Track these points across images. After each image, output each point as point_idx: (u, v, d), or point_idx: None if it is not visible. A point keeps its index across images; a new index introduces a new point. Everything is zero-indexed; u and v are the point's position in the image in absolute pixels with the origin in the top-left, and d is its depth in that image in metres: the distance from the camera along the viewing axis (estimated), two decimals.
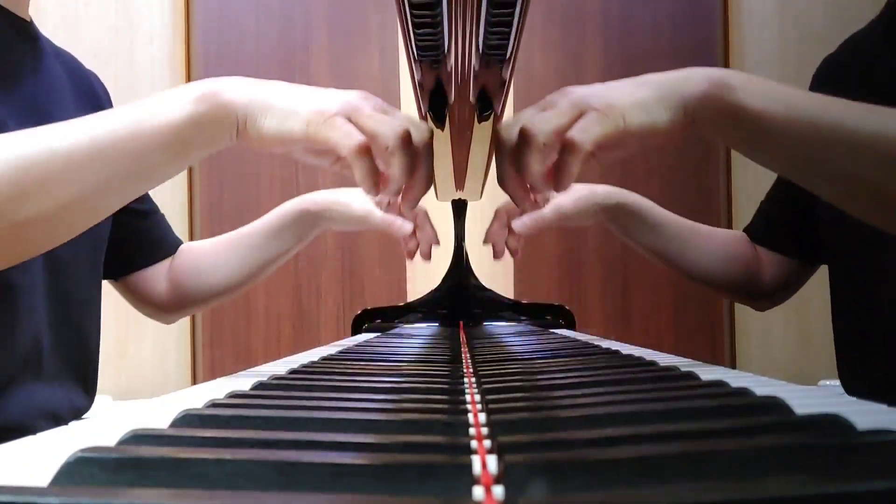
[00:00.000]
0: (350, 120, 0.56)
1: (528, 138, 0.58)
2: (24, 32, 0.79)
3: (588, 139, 0.55)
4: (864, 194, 0.56)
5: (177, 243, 0.99)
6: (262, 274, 0.98)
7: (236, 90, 0.58)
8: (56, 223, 0.57)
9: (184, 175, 1.87)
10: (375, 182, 0.56)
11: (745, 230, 0.98)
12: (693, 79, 0.58)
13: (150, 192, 1.63)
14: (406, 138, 0.57)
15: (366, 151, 0.55)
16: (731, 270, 0.93)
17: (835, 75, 0.90)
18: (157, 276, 0.95)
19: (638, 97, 0.57)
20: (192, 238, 1.86)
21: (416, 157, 0.58)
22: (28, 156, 0.54)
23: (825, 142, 0.54)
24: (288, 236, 0.94)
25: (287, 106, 0.58)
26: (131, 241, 0.91)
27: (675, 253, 0.93)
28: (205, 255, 0.97)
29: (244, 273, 0.97)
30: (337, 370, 0.55)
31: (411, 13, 0.45)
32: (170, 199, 1.83)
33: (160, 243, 0.97)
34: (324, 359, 0.72)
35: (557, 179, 0.57)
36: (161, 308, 0.96)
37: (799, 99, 0.56)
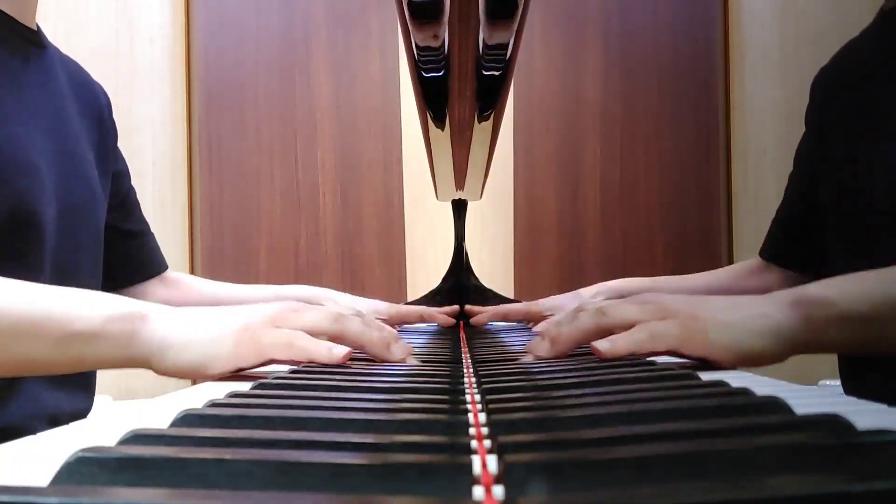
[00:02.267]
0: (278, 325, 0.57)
1: (603, 316, 0.58)
2: (31, 41, 0.79)
3: (656, 337, 0.55)
4: None
5: (163, 265, 1.01)
6: None
7: (158, 321, 0.56)
8: None
9: (184, 175, 1.87)
10: (330, 348, 0.56)
11: (759, 252, 1.00)
12: (780, 306, 0.55)
13: (150, 193, 1.64)
14: (338, 317, 0.59)
15: (304, 343, 0.56)
16: None
17: (830, 85, 0.90)
18: (144, 296, 0.96)
19: (725, 318, 0.55)
20: (192, 238, 1.86)
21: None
22: None
23: None
24: None
25: (210, 336, 0.56)
26: (117, 259, 0.92)
27: None
28: (203, 297, 1.01)
29: None
30: (337, 370, 0.55)
31: (411, 13, 0.45)
32: (170, 199, 1.83)
33: (145, 264, 0.99)
34: None
35: (607, 350, 0.56)
36: None
37: (883, 284, 0.55)
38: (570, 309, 0.69)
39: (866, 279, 0.57)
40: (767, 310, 0.55)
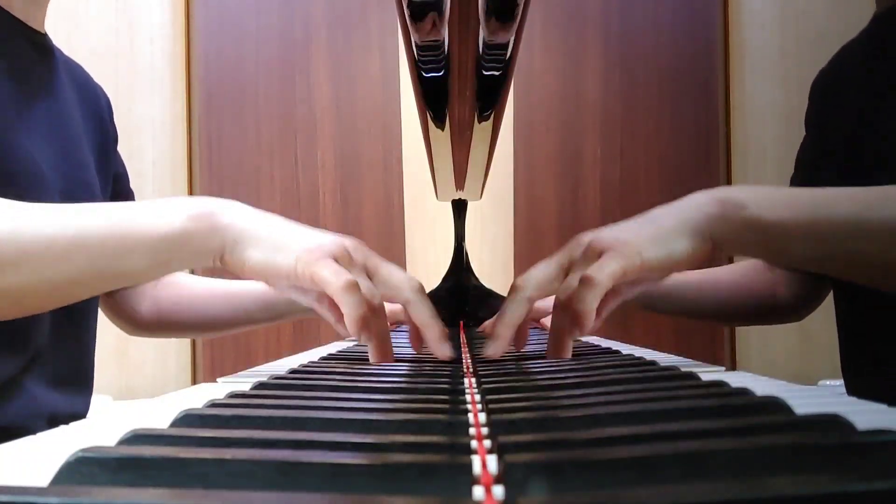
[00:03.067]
0: (341, 262, 0.58)
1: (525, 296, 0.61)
2: (39, 46, 0.79)
3: (606, 276, 0.56)
4: (881, 271, 0.57)
5: None
6: (245, 328, 1.01)
7: (232, 215, 0.59)
8: (22, 300, 0.57)
9: (184, 175, 1.88)
10: (364, 323, 0.56)
11: None
12: (701, 204, 0.59)
13: (150, 193, 1.64)
14: (421, 289, 0.61)
15: (355, 289, 0.56)
16: (750, 304, 0.95)
17: (828, 88, 0.91)
18: (139, 295, 0.96)
19: (651, 232, 0.58)
20: None
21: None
22: (12, 229, 0.55)
23: (841, 234, 0.56)
24: (280, 309, 0.94)
25: (278, 240, 0.58)
26: None
27: (693, 309, 0.95)
28: (197, 295, 0.99)
29: (228, 325, 0.99)
30: (337, 370, 0.55)
31: (411, 13, 0.45)
32: None
33: None
34: (324, 359, 0.72)
35: (578, 322, 0.57)
36: (138, 326, 0.98)
37: (805, 199, 0.58)
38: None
39: (787, 192, 0.59)
40: (682, 213, 0.59)
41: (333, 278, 0.56)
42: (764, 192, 0.59)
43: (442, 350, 0.60)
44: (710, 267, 1.01)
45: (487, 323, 1.07)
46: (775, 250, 0.58)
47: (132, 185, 1.01)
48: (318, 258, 0.57)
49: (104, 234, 0.57)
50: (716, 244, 0.58)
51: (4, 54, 0.73)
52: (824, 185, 0.86)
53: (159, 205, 0.60)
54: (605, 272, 0.56)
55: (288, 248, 0.58)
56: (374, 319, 0.57)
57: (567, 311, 0.57)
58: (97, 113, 0.90)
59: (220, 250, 0.59)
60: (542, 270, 0.63)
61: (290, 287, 0.63)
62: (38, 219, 0.56)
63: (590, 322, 0.56)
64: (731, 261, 1.85)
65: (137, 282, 0.62)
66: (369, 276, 0.61)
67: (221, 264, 0.60)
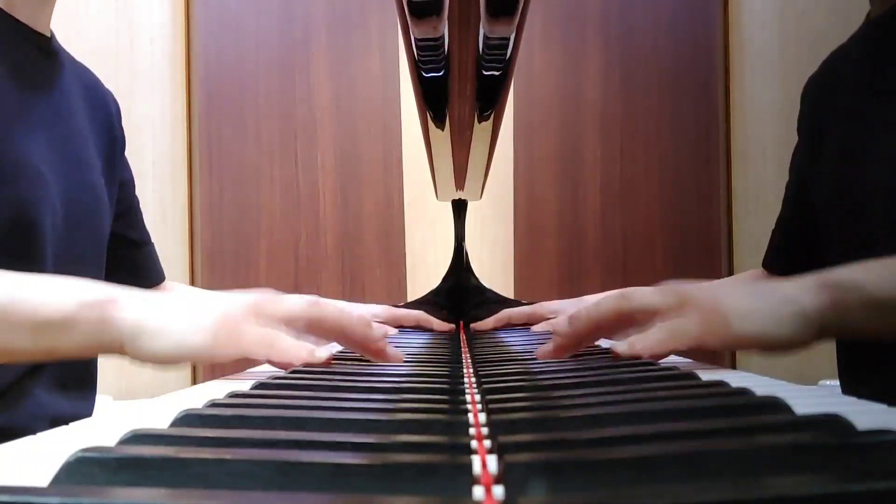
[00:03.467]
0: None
1: (624, 299, 0.57)
2: (44, 48, 0.79)
3: (680, 335, 0.53)
4: None
5: (161, 276, 1.01)
6: None
7: (129, 306, 0.54)
8: None
9: (184, 175, 1.87)
10: (309, 350, 0.55)
11: (762, 262, 1.00)
12: (807, 289, 0.54)
13: (150, 193, 1.64)
14: (316, 303, 0.58)
15: (284, 343, 0.55)
16: None
17: (820, 93, 0.91)
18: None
19: (747, 304, 0.53)
20: (192, 238, 1.86)
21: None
22: None
23: None
24: None
25: (186, 324, 0.54)
26: (117, 267, 0.92)
27: None
28: None
29: None
30: (337, 370, 0.55)
31: (411, 13, 0.45)
32: (170, 199, 1.83)
33: (144, 274, 0.99)
34: None
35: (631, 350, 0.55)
36: None
37: None
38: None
39: (893, 263, 0.55)
40: (792, 294, 0.53)
41: (258, 343, 0.54)
42: (875, 268, 0.55)
43: (374, 334, 0.59)
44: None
45: (485, 321, 1.07)
46: (890, 327, 0.54)
47: None
48: (234, 327, 0.54)
49: None
50: (822, 333, 0.53)
51: (6, 56, 0.73)
52: (815, 191, 0.87)
53: (53, 285, 0.56)
54: (682, 331, 0.53)
55: (200, 327, 0.54)
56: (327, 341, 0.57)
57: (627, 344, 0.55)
58: (105, 117, 0.90)
59: (118, 343, 0.54)
60: (653, 297, 0.57)
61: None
62: None
63: (633, 357, 0.55)
64: (730, 267, 1.86)
65: (21, 361, 0.59)
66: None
67: (128, 357, 0.55)
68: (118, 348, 0.55)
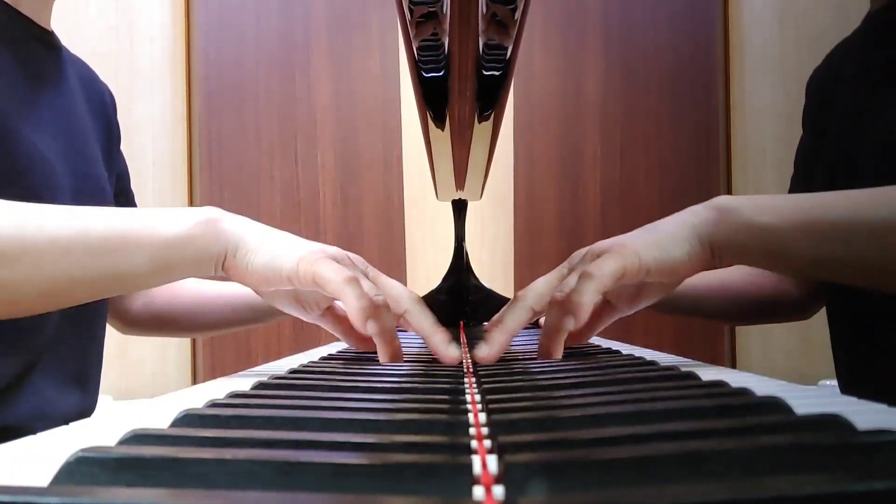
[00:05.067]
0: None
1: (522, 305, 0.62)
2: (47, 42, 0.80)
3: (605, 271, 0.56)
4: (878, 272, 0.57)
5: None
6: (235, 329, 1.02)
7: (234, 223, 0.60)
8: (18, 297, 0.56)
9: (184, 175, 1.88)
10: (369, 314, 0.57)
11: None
12: (697, 212, 0.59)
13: (150, 193, 1.64)
14: (419, 299, 0.62)
15: (356, 283, 0.56)
16: (758, 303, 0.95)
17: (823, 86, 0.91)
18: (132, 296, 0.96)
19: (649, 238, 0.59)
20: None
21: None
22: (15, 224, 0.54)
23: (836, 235, 0.56)
24: (267, 309, 0.95)
25: (280, 245, 0.59)
26: None
27: (701, 309, 0.95)
28: (189, 296, 1.00)
29: (219, 326, 1.00)
30: (337, 370, 0.55)
31: (411, 13, 0.45)
32: (170, 199, 1.83)
33: None
34: (324, 359, 0.72)
35: (574, 312, 0.57)
36: (130, 324, 0.99)
37: (801, 203, 0.58)
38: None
39: (782, 198, 0.60)
40: (682, 219, 0.59)
41: (334, 274, 0.56)
42: (760, 198, 0.60)
43: (449, 354, 0.60)
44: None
45: (486, 327, 1.07)
46: (772, 254, 0.58)
47: (132, 185, 1.01)
48: (320, 258, 0.57)
49: (106, 234, 0.56)
50: (714, 251, 0.58)
51: (13, 50, 0.73)
52: (820, 184, 0.87)
53: (164, 210, 0.60)
54: (603, 268, 0.57)
55: (290, 252, 0.58)
56: (379, 313, 0.58)
57: (563, 306, 0.57)
58: (103, 110, 0.91)
59: (222, 256, 0.59)
60: (544, 280, 0.64)
61: (290, 300, 0.64)
62: (42, 216, 0.56)
63: (585, 315, 0.57)
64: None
65: (138, 287, 0.62)
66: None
67: (223, 271, 0.60)
68: (221, 261, 0.59)
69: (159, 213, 0.59)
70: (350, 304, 0.56)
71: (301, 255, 0.58)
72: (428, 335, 0.61)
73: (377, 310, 0.57)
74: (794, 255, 0.57)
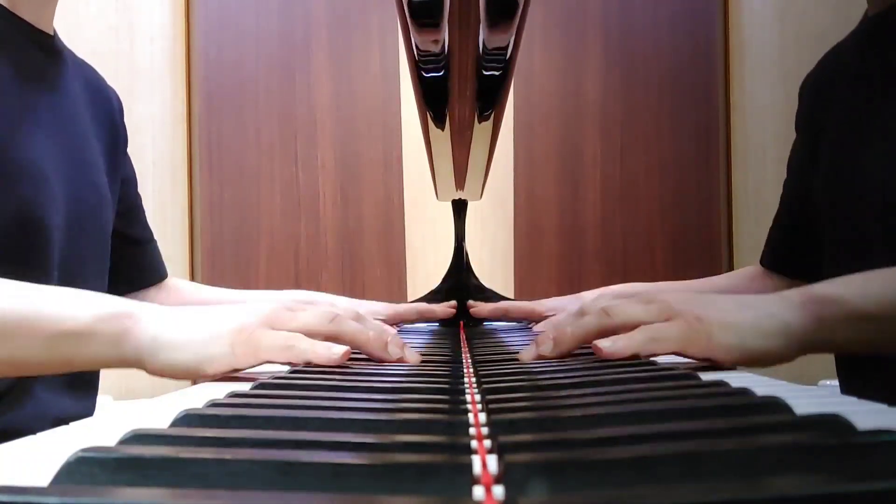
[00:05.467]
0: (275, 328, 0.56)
1: (608, 316, 0.58)
2: (47, 47, 0.79)
3: (661, 340, 0.53)
4: None
5: (163, 274, 1.01)
6: None
7: (146, 319, 0.55)
8: None
9: (184, 175, 1.88)
10: (340, 357, 0.55)
11: (760, 259, 1.00)
12: (791, 305, 0.54)
13: (150, 193, 1.63)
14: (335, 316, 0.58)
15: (300, 341, 0.55)
16: None
17: (818, 90, 0.91)
18: (141, 301, 0.96)
19: (732, 318, 0.53)
20: (192, 238, 1.86)
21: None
22: None
23: None
24: None
25: (202, 335, 0.55)
26: (120, 264, 0.92)
27: None
28: (199, 303, 0.99)
29: None
30: (337, 370, 0.55)
31: (412, 13, 0.45)
32: (170, 199, 1.83)
33: (147, 271, 0.99)
34: None
35: (600, 355, 0.55)
36: None
37: (887, 280, 0.55)
38: (571, 309, 0.68)
39: (874, 278, 0.56)
40: (776, 309, 0.54)
41: (277, 347, 0.54)
42: (856, 281, 0.56)
43: (389, 355, 0.59)
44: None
45: (485, 306, 1.07)
46: (871, 342, 0.55)
47: None
48: (251, 335, 0.55)
49: (3, 317, 0.53)
50: (804, 348, 0.54)
51: (9, 55, 0.73)
52: (813, 188, 0.87)
53: (71, 296, 0.56)
54: (666, 336, 0.53)
55: (219, 338, 0.54)
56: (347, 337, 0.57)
57: (607, 335, 0.55)
58: (108, 115, 0.91)
59: (135, 358, 0.55)
60: (637, 312, 0.58)
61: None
62: None
63: (612, 357, 0.54)
64: (731, 268, 1.85)
65: (41, 372, 0.60)
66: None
67: (150, 373, 0.56)
68: (135, 362, 0.55)
69: (63, 300, 0.55)
70: (311, 358, 0.54)
71: (232, 340, 0.54)
72: (362, 345, 0.59)
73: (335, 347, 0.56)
74: (892, 337, 0.54)
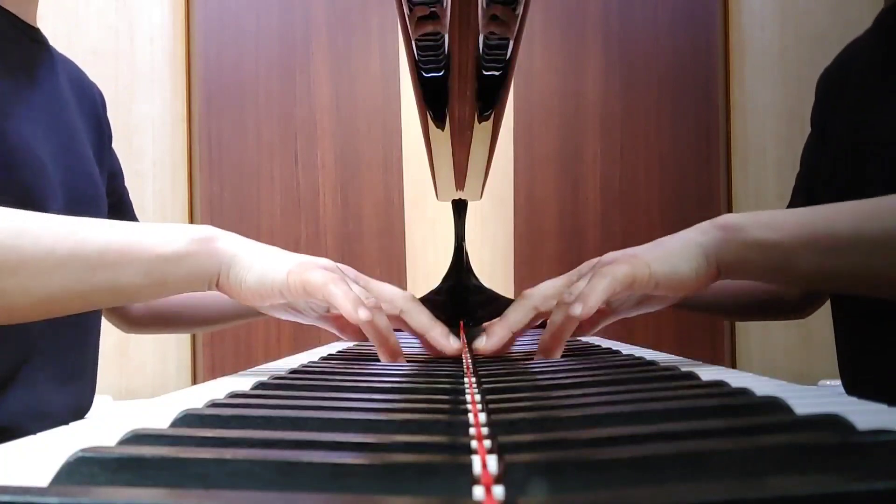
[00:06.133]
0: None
1: (527, 304, 0.65)
2: (35, 39, 0.80)
3: (617, 273, 0.58)
4: (886, 282, 0.58)
5: None
6: (234, 323, 1.04)
7: (228, 242, 0.62)
8: (14, 307, 0.57)
9: (184, 175, 1.88)
10: (357, 303, 0.58)
11: None
12: (704, 230, 0.61)
13: (150, 193, 1.64)
14: (413, 298, 0.64)
15: (343, 283, 0.59)
16: (756, 301, 0.96)
17: (832, 85, 0.91)
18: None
19: (658, 252, 0.61)
20: None
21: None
22: (12, 234, 0.55)
23: (842, 248, 0.57)
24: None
25: (270, 261, 0.61)
26: None
27: (700, 305, 0.97)
28: (192, 294, 0.99)
29: (218, 320, 1.01)
30: (337, 370, 0.55)
31: (412, 13, 0.45)
32: (170, 198, 1.83)
33: None
34: (324, 359, 0.72)
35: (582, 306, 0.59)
36: (130, 322, 0.99)
37: (805, 217, 0.59)
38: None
39: (784, 212, 0.61)
40: (692, 235, 0.61)
41: (322, 279, 0.58)
42: (764, 214, 0.61)
43: (451, 345, 0.62)
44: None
45: (488, 324, 1.06)
46: (777, 270, 0.60)
47: (132, 185, 1.01)
48: (307, 269, 0.59)
49: (103, 247, 0.57)
50: (720, 268, 0.59)
51: (1, 47, 0.73)
52: (826, 184, 0.87)
53: (161, 227, 0.61)
54: (616, 272, 0.58)
55: (279, 266, 0.60)
56: (371, 312, 0.59)
57: (570, 306, 0.58)
58: (93, 109, 0.91)
59: (216, 274, 0.60)
60: (551, 283, 0.66)
61: (286, 309, 0.65)
62: (39, 227, 0.56)
63: (592, 304, 0.57)
64: None
65: (132, 300, 0.63)
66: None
67: (217, 289, 0.61)
68: (216, 279, 0.61)
69: (156, 229, 0.60)
70: (339, 301, 0.57)
71: (290, 268, 0.59)
72: (426, 330, 0.62)
73: (367, 306, 0.58)
74: (799, 270, 0.58)
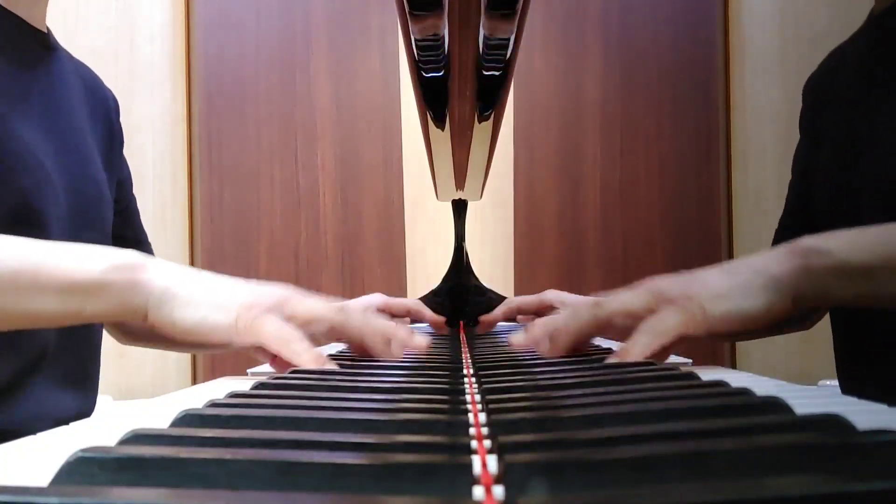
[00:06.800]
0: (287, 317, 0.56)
1: (598, 307, 0.58)
2: (41, 43, 0.79)
3: (662, 330, 0.53)
4: None
5: None
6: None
7: (157, 273, 0.56)
8: None
9: (184, 175, 1.88)
10: (322, 360, 0.55)
11: None
12: (778, 259, 0.55)
13: (150, 193, 1.63)
14: (340, 308, 0.59)
15: (298, 341, 0.55)
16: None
17: (821, 91, 0.90)
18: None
19: (721, 285, 0.54)
20: (192, 238, 1.86)
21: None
22: None
23: None
24: None
25: (213, 298, 0.55)
26: None
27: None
28: None
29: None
30: (337, 370, 0.55)
31: (412, 13, 0.45)
32: (170, 198, 1.83)
33: None
34: None
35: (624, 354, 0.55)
36: (126, 333, 0.97)
37: (885, 237, 0.55)
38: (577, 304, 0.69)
39: (865, 233, 0.56)
40: (761, 266, 0.55)
41: (275, 334, 0.54)
42: (843, 235, 0.56)
43: (391, 353, 0.60)
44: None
45: (493, 313, 1.06)
46: (863, 295, 0.55)
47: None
48: (258, 316, 0.55)
49: (16, 270, 0.54)
50: (796, 301, 0.54)
51: (3, 49, 0.73)
52: (818, 189, 0.87)
53: (81, 250, 0.57)
54: (663, 326, 0.53)
55: (224, 305, 0.55)
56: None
57: (608, 335, 0.56)
58: (105, 114, 0.91)
59: (143, 308, 0.55)
60: (627, 299, 0.59)
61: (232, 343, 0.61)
62: None
63: (623, 360, 0.54)
64: None
65: (48, 325, 0.60)
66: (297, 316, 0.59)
67: (146, 323, 0.56)
68: (143, 314, 0.55)
69: (75, 253, 0.56)
70: (302, 363, 0.54)
71: (237, 313, 0.54)
72: (361, 337, 0.60)
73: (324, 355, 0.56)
74: (886, 292, 0.54)
